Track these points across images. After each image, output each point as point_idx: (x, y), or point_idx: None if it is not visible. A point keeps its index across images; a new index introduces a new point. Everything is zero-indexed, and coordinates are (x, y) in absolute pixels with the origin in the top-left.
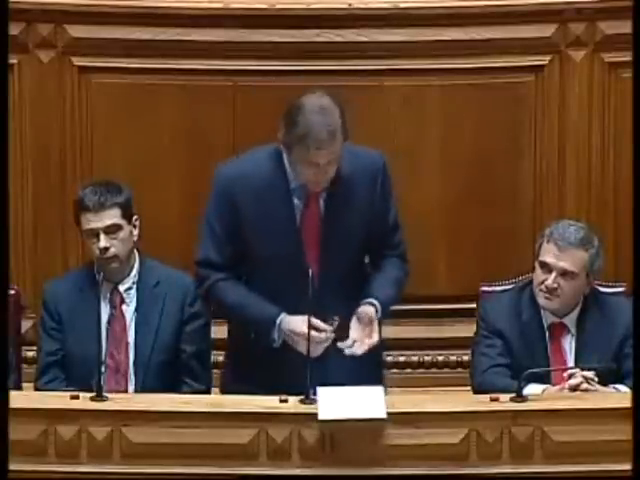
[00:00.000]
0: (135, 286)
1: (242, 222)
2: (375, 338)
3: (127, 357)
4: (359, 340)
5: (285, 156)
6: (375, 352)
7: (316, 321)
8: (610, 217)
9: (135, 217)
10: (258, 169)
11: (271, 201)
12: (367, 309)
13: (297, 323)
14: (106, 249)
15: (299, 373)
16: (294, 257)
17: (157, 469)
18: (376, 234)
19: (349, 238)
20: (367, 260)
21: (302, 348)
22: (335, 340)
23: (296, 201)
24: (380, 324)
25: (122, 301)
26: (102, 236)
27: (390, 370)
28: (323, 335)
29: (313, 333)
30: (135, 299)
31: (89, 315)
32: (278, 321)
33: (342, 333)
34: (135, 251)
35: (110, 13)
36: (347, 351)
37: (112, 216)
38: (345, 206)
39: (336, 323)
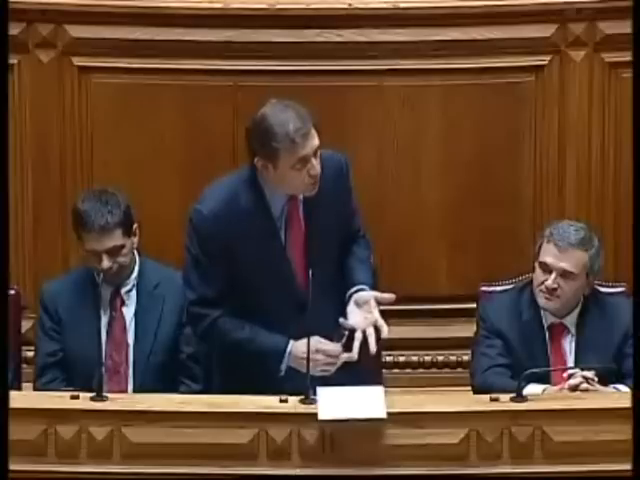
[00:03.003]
0: (135, 288)
1: (229, 255)
2: (380, 321)
3: (126, 358)
4: (361, 323)
5: (262, 178)
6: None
7: (325, 346)
8: (610, 217)
9: (135, 226)
10: (235, 201)
11: (254, 228)
12: (362, 294)
13: (305, 347)
14: (110, 268)
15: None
16: (285, 279)
17: (157, 469)
18: (346, 227)
19: (331, 240)
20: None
21: (314, 370)
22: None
23: (278, 220)
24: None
25: (122, 303)
26: (104, 256)
27: (390, 370)
28: (335, 360)
29: (320, 357)
30: (135, 300)
31: (88, 317)
32: (288, 350)
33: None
34: (135, 252)
35: (110, 13)
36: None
37: (114, 238)
38: (323, 210)
39: (344, 336)
